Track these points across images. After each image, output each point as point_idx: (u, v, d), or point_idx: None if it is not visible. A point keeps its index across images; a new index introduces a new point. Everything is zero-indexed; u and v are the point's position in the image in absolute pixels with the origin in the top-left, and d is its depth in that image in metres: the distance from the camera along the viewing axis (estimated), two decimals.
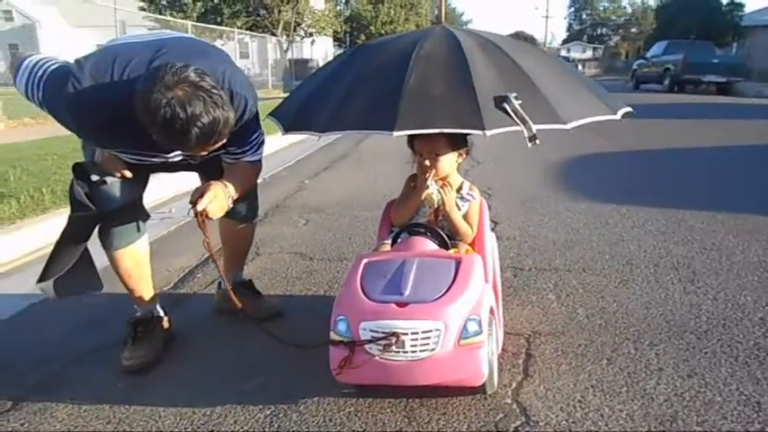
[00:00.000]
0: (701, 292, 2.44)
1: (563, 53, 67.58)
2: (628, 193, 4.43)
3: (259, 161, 2.17)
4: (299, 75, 28.24)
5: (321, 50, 39.08)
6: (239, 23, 23.61)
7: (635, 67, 24.18)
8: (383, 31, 46.93)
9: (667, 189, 4.65)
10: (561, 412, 1.65)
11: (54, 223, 3.90)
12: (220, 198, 1.93)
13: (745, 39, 34.22)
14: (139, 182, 2.13)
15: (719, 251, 2.96)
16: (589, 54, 70.61)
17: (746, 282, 2.56)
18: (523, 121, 1.64)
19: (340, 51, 46.38)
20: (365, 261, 1.78)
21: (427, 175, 1.98)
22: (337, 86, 1.85)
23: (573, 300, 2.44)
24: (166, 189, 5.26)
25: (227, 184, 1.97)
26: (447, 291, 1.62)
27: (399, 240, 1.94)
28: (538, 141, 1.65)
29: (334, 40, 42.46)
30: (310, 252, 3.34)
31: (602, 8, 73.50)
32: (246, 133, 2.02)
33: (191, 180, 5.71)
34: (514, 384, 1.81)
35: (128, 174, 2.01)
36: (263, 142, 2.14)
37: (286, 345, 1.95)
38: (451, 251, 1.87)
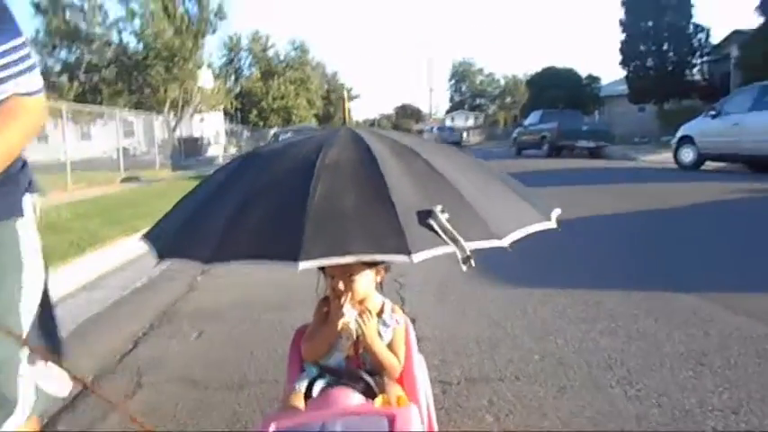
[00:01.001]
0: (644, 398, 2.27)
1: (448, 122, 71.85)
2: (537, 271, 4.36)
3: (38, 92, 1.50)
4: (188, 153, 27.37)
5: (211, 127, 38.37)
6: (122, 103, 22.59)
7: (515, 134, 26.04)
8: (274, 106, 47.34)
9: (576, 264, 4.65)
10: None
11: None
12: None
13: (604, 107, 38.39)
14: None
15: (646, 341, 2.86)
16: (471, 122, 75.64)
17: (684, 380, 2.43)
18: (454, 240, 1.38)
19: (232, 126, 46.00)
20: (273, 427, 1.39)
21: (342, 300, 1.66)
22: (225, 202, 1.50)
23: (513, 421, 2.16)
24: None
25: None
26: None
27: (314, 390, 1.57)
28: (473, 263, 1.39)
29: (225, 115, 41.99)
30: (205, 378, 2.83)
31: (478, 81, 79.79)
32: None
33: (56, 289, 5.01)
34: None
35: None
36: (32, 64, 1.49)
37: None
38: (379, 399, 1.53)
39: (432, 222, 1.38)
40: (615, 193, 9.16)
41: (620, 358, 2.66)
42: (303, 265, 1.28)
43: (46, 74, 24.06)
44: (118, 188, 13.35)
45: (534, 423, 2.13)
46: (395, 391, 1.63)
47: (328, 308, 1.76)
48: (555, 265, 4.60)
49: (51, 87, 22.90)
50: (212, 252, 1.40)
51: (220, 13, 25.02)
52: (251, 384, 2.70)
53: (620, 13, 29.44)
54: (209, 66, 28.34)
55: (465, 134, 50.83)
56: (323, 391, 1.52)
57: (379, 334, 1.72)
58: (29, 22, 23.26)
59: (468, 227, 1.42)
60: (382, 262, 1.75)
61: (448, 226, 1.38)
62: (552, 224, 1.63)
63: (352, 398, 1.47)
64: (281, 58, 51.63)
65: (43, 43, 23.72)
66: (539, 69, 43.01)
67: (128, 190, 13.12)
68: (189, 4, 24.42)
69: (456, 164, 1.69)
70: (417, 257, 1.31)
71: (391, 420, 1.37)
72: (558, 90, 37.27)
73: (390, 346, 1.73)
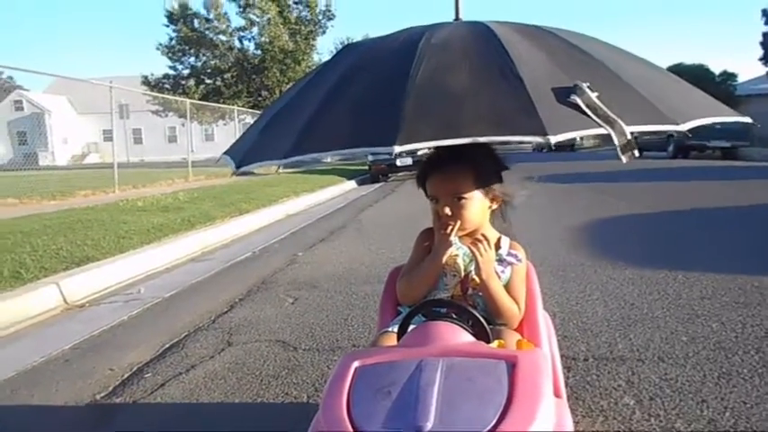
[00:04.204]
0: None
1: None
2: (675, 257, 3.74)
3: None
4: None
5: None
6: (240, 104, 23.78)
7: (636, 135, 24.13)
8: None
9: (718, 250, 3.95)
10: None
11: None
12: None
13: (741, 107, 34.66)
14: None
15: None
16: None
17: None
18: (608, 121, 1.00)
19: None
20: (356, 365, 1.09)
21: (448, 228, 1.33)
22: (311, 98, 1.23)
23: (662, 406, 1.70)
24: (138, 267, 4.61)
25: None
26: (500, 419, 0.92)
27: (412, 328, 1.24)
28: (637, 153, 1.01)
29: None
30: (295, 340, 2.61)
31: None
32: None
33: (167, 256, 5.07)
34: None
35: None
36: None
37: None
38: (495, 344, 1.18)
39: (576, 100, 1.02)
40: (747, 188, 8.00)
41: None
42: (399, 148, 0.97)
43: (176, 77, 26.04)
44: (233, 180, 13.94)
45: (690, 410, 1.66)
46: (513, 337, 1.27)
47: (430, 242, 1.44)
48: (693, 252, 3.93)
49: (180, 90, 24.70)
50: (291, 147, 1.13)
51: (328, 14, 25.59)
52: (342, 348, 2.43)
53: (764, 2, 26.45)
54: None
55: (579, 138, 48.33)
56: (422, 325, 1.19)
57: (496, 273, 1.37)
58: (163, 31, 25.24)
59: (628, 107, 1.04)
60: (499, 182, 1.40)
61: (599, 104, 1.02)
62: (748, 119, 1.21)
63: (458, 335, 1.12)
64: None
65: (174, 50, 25.62)
66: (665, 67, 39.78)
67: (242, 181, 13.66)
68: (302, 9, 25.20)
69: (604, 45, 1.31)
70: (557, 138, 0.96)
71: (512, 365, 1.02)
72: None
73: (508, 289, 1.37)
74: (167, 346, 2.71)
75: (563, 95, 1.02)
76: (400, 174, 14.49)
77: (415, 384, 0.99)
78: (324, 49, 26.88)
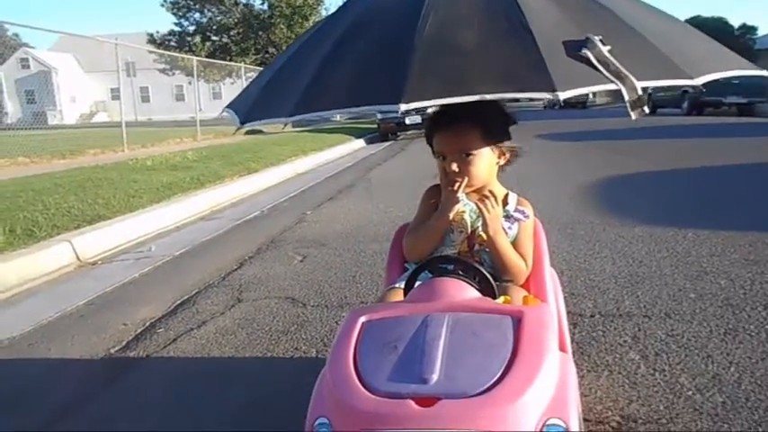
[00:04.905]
0: None
1: None
2: (686, 214, 3.71)
3: None
4: None
5: None
6: (248, 61, 23.47)
7: (649, 91, 23.65)
8: None
9: (731, 208, 3.90)
10: None
11: (2, 270, 3.27)
12: None
13: (760, 62, 33.69)
14: None
15: None
16: None
17: None
18: (619, 76, 0.97)
19: None
20: (363, 320, 1.10)
21: (456, 185, 1.31)
22: (315, 53, 1.20)
23: (667, 361, 1.71)
24: (149, 225, 4.65)
25: None
26: (504, 373, 0.93)
27: (418, 284, 1.25)
28: (647, 110, 0.99)
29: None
30: (304, 296, 2.65)
31: None
32: None
33: (177, 215, 5.11)
34: None
35: None
36: None
37: None
38: (501, 300, 1.18)
39: (587, 53, 0.99)
40: (761, 144, 7.83)
41: None
42: (405, 106, 0.95)
43: (182, 34, 25.65)
44: (241, 138, 13.89)
45: (696, 366, 1.67)
46: (519, 294, 1.27)
47: (437, 199, 1.43)
48: (705, 210, 3.89)
49: (187, 47, 24.36)
50: (295, 105, 1.11)
51: None
52: (350, 305, 2.46)
53: None
54: None
55: (591, 95, 47.38)
56: (428, 282, 1.19)
57: (503, 229, 1.36)
58: None
59: (641, 61, 1.01)
60: (507, 138, 1.38)
61: (611, 58, 0.98)
62: (765, 72, 1.17)
63: (464, 291, 1.13)
64: None
65: (179, 5, 25.16)
66: (681, 20, 38.51)
67: (250, 139, 13.61)
68: None
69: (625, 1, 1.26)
70: (565, 94, 0.94)
71: (518, 320, 1.02)
72: None
73: (515, 245, 1.37)
74: (179, 302, 2.75)
75: (574, 49, 0.99)
76: (409, 132, 14.36)
77: (421, 339, 1.00)
78: (332, 3, 26.19)
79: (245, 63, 22.77)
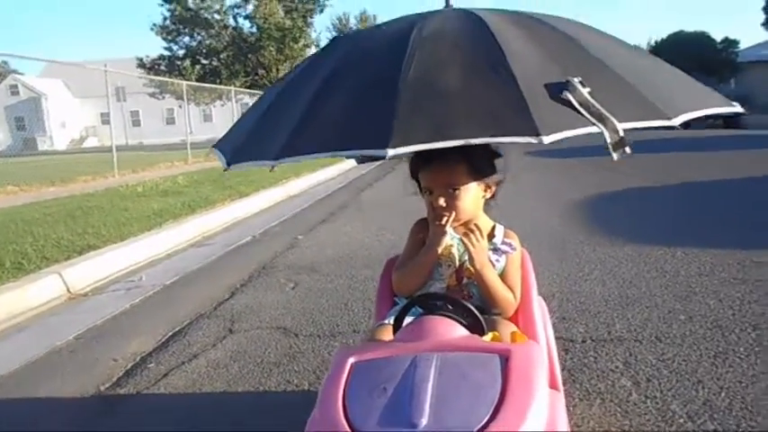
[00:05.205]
0: None
1: None
2: (674, 232, 3.74)
3: None
4: None
5: None
6: (238, 83, 23.61)
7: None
8: None
9: (718, 225, 3.95)
10: None
11: None
12: None
13: (743, 74, 34.17)
14: None
15: None
16: None
17: None
18: (601, 119, 0.99)
19: None
20: (352, 361, 1.10)
21: (443, 219, 1.32)
22: (301, 93, 1.22)
23: (659, 387, 1.72)
24: (139, 254, 4.62)
25: None
26: (493, 416, 0.93)
27: (407, 320, 1.25)
28: (629, 150, 1.00)
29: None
30: (296, 326, 2.64)
31: None
32: None
33: (167, 242, 5.08)
34: None
35: None
36: None
37: None
38: (489, 336, 1.19)
39: (569, 96, 1.00)
40: (753, 157, 7.92)
41: None
42: (393, 152, 0.96)
43: (172, 58, 25.78)
44: None
45: (686, 391, 1.68)
46: (507, 329, 1.28)
47: (424, 233, 1.44)
48: (693, 227, 3.93)
49: (177, 71, 24.47)
50: (281, 148, 1.12)
51: None
52: (343, 334, 2.46)
53: None
54: (318, 45, 28.84)
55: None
56: (416, 320, 1.20)
57: (491, 262, 1.37)
58: (157, 10, 24.91)
59: (620, 103, 1.02)
60: (493, 172, 1.40)
61: (592, 100, 1.00)
62: (739, 108, 1.19)
63: (452, 330, 1.13)
64: None
65: (169, 30, 25.33)
66: (664, 36, 39.15)
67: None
68: None
69: (598, 35, 1.29)
70: (549, 138, 0.95)
71: (506, 358, 1.03)
72: (686, 58, 33.67)
73: (503, 277, 1.38)
74: (170, 334, 2.73)
75: (555, 92, 1.01)
76: None
77: (410, 381, 1.00)
78: (321, 25, 26.54)
79: (236, 86, 22.92)
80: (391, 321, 1.32)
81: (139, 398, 2.08)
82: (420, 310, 1.27)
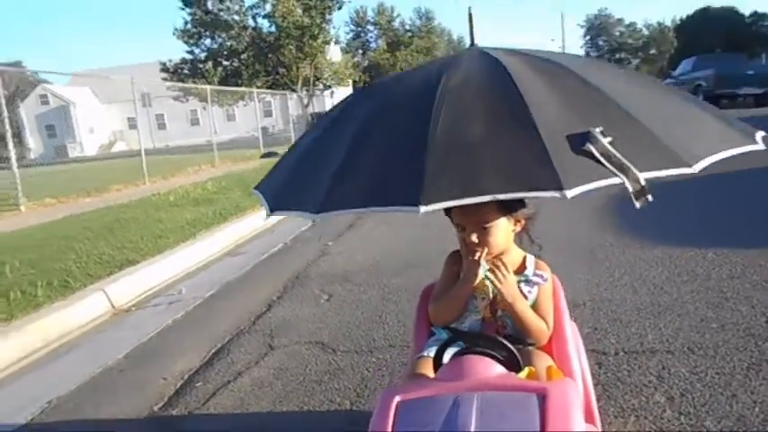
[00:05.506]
0: None
1: None
2: (705, 233, 3.73)
3: None
4: None
5: None
6: (259, 83, 23.86)
7: None
8: None
9: (752, 224, 3.91)
10: None
11: (44, 323, 3.42)
12: None
13: None
14: None
15: None
16: None
17: None
18: (622, 169, 1.04)
19: None
20: (398, 400, 1.18)
21: (476, 255, 1.39)
22: (336, 144, 1.29)
23: (692, 402, 1.76)
24: (177, 266, 4.79)
25: None
26: None
27: (447, 355, 1.33)
28: (651, 197, 1.04)
29: (354, 90, 42.99)
30: (334, 341, 2.73)
31: (617, 33, 73.05)
32: None
33: (203, 253, 5.22)
34: None
35: None
36: None
37: None
38: (524, 372, 1.25)
39: (590, 147, 1.05)
40: None
41: None
42: (425, 208, 1.02)
43: (194, 61, 26.14)
44: (257, 163, 14.13)
45: (720, 406, 1.72)
46: (543, 362, 1.34)
47: (458, 265, 1.51)
48: (724, 227, 3.90)
49: (199, 74, 24.82)
50: (321, 201, 1.19)
51: None
52: (379, 349, 2.54)
53: None
54: (337, 42, 28.92)
55: None
56: (455, 358, 1.27)
57: (523, 293, 1.43)
58: (178, 14, 25.31)
59: (641, 151, 1.07)
60: (522, 207, 1.46)
61: (613, 151, 1.04)
62: (760, 145, 1.21)
63: (491, 368, 1.20)
64: (407, 27, 51.49)
65: (190, 33, 25.68)
66: (690, 12, 38.16)
67: (266, 163, 13.85)
68: None
69: (616, 76, 1.33)
70: (573, 192, 0.99)
71: (543, 397, 1.09)
72: (713, 33, 32.75)
73: (536, 308, 1.44)
74: (213, 351, 2.86)
75: (577, 144, 1.05)
76: None
77: (453, 422, 1.07)
78: (339, 20, 26.63)
79: (257, 86, 23.18)
80: (431, 354, 1.39)
81: (191, 418, 2.20)
82: (458, 344, 1.34)
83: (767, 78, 18.54)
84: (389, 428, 1.12)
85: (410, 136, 1.15)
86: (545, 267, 1.50)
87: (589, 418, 1.31)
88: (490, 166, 1.07)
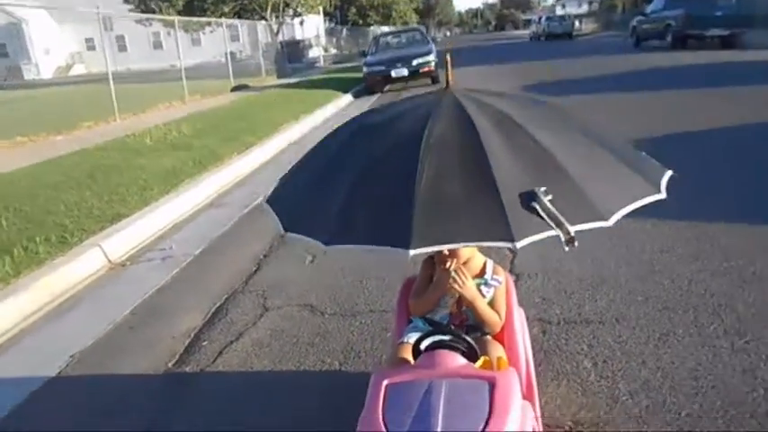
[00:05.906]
0: (753, 351, 2.23)
1: (558, 10, 66.19)
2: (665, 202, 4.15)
3: None
4: (291, 56, 27.64)
5: (312, 29, 38.22)
6: (226, 9, 22.99)
7: (634, 23, 23.51)
8: (374, 3, 45.95)
9: (689, 192, 4.33)
10: None
11: (49, 280, 3.72)
12: None
13: None
14: None
15: (762, 285, 2.73)
16: (585, 8, 69.05)
17: None
18: (558, 224, 1.41)
19: (331, 26, 45.50)
20: (386, 383, 1.58)
21: (447, 264, 1.78)
22: (337, 184, 1.61)
23: (612, 368, 2.23)
24: (164, 218, 5.07)
25: None
26: (484, 427, 1.43)
27: (422, 344, 1.74)
28: (576, 244, 1.42)
29: (325, 16, 41.51)
30: (321, 304, 3.14)
31: None
32: None
33: (187, 204, 5.48)
34: None
35: None
36: None
37: None
38: (480, 361, 1.67)
39: (535, 206, 1.41)
40: (741, 100, 7.74)
41: (729, 304, 2.58)
42: (414, 252, 1.38)
43: None
44: (228, 100, 14.00)
45: (632, 371, 2.20)
46: (495, 351, 1.77)
47: (432, 269, 1.89)
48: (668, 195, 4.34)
49: None
50: (330, 236, 1.51)
51: None
52: (362, 314, 2.96)
53: None
54: None
55: (577, 23, 46.69)
56: (430, 350, 1.68)
57: (482, 293, 1.83)
58: None
59: (573, 208, 1.43)
60: None
61: (552, 209, 1.41)
62: (662, 195, 1.59)
63: (456, 360, 1.61)
64: None
65: None
66: None
67: (237, 99, 13.75)
68: None
69: (563, 135, 1.67)
70: (521, 244, 1.36)
71: (492, 385, 1.51)
72: None
73: (492, 304, 1.85)
74: (213, 311, 3.23)
75: (526, 201, 1.41)
76: (396, 84, 14.56)
77: (428, 400, 1.49)
78: None
79: (224, 11, 22.40)
80: (410, 341, 1.80)
81: (205, 375, 2.60)
82: (433, 335, 1.75)
83: (735, 20, 18.81)
84: (380, 409, 1.53)
85: (399, 188, 1.48)
86: (501, 272, 1.89)
87: (528, 393, 1.76)
88: (462, 219, 1.42)
